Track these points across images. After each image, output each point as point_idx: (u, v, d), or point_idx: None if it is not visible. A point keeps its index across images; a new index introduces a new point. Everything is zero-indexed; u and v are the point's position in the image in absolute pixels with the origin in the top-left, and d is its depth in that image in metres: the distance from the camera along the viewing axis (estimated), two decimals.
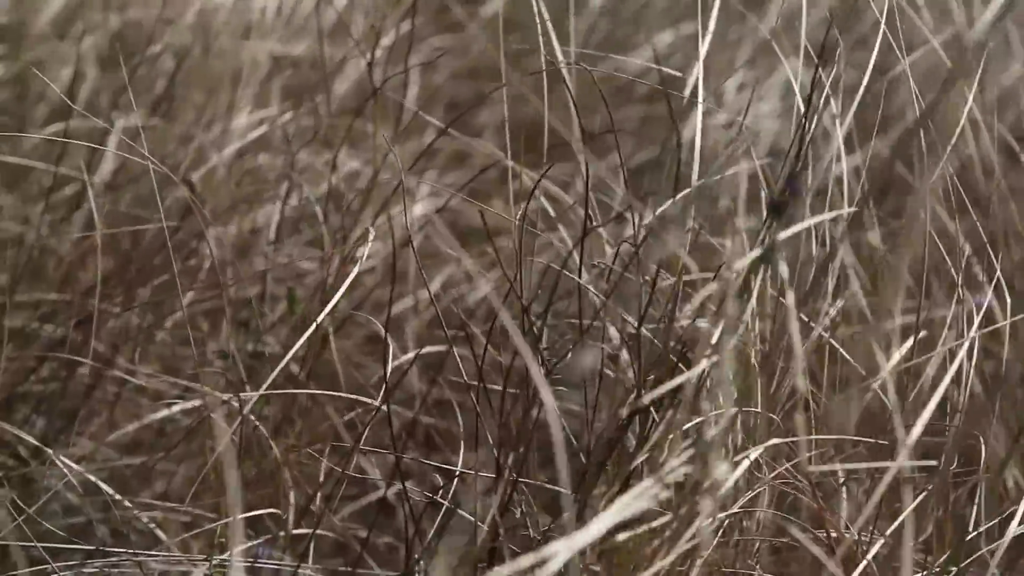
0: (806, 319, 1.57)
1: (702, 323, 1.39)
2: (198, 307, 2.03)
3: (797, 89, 1.49)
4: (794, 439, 1.51)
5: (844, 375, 1.68)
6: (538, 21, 1.59)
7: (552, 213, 1.85)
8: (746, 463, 1.45)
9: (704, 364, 1.34)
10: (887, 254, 1.77)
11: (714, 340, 1.34)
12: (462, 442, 1.76)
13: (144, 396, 1.99)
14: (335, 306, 1.93)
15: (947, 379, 1.44)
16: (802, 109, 1.47)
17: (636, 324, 1.38)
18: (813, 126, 1.44)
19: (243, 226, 2.08)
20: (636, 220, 1.43)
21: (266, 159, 2.14)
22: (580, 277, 1.42)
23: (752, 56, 2.23)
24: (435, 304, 1.51)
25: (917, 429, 1.37)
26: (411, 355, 1.86)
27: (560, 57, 1.76)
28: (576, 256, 1.46)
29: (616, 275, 1.44)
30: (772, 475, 1.52)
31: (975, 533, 1.56)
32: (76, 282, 2.01)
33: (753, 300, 1.40)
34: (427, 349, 1.68)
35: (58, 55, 2.21)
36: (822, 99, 1.49)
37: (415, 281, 2.09)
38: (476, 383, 1.51)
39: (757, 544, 1.58)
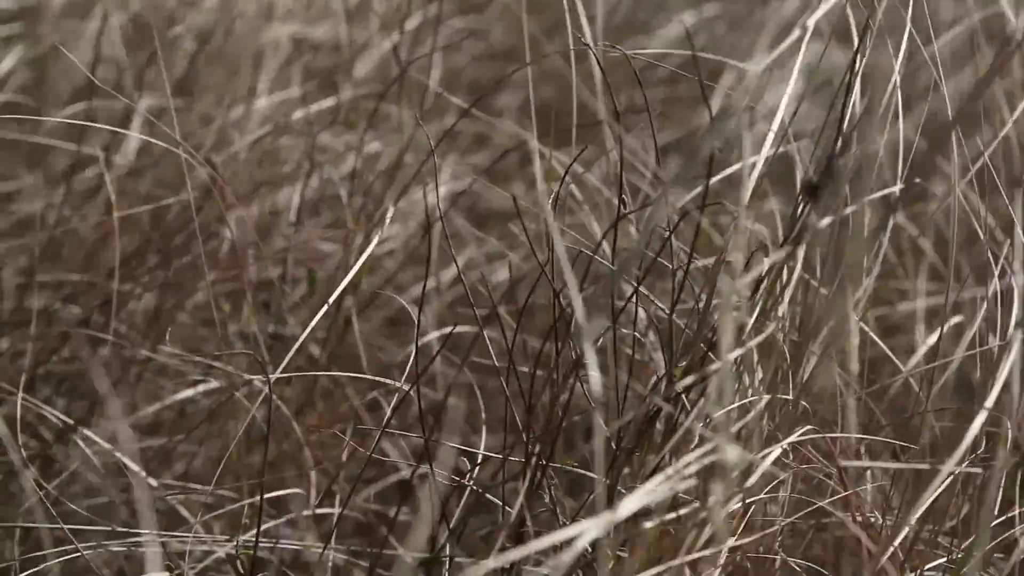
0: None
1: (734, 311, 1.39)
2: (219, 288, 2.03)
3: (857, 62, 1.47)
4: (826, 435, 1.51)
5: (873, 357, 1.68)
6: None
7: (578, 194, 1.85)
8: (776, 452, 1.45)
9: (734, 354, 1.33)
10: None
11: (746, 329, 1.34)
12: (483, 426, 1.76)
13: (165, 377, 1.99)
14: (357, 288, 1.93)
15: (1004, 371, 1.42)
16: (840, 92, 1.46)
17: (668, 310, 1.37)
18: (852, 108, 1.43)
19: (264, 208, 2.08)
20: (668, 203, 1.42)
21: (287, 140, 2.14)
22: (613, 263, 1.42)
23: (774, 38, 2.22)
24: (463, 282, 1.50)
25: (973, 430, 1.37)
26: (435, 334, 1.86)
27: (586, 37, 1.76)
28: (607, 241, 1.45)
29: (648, 260, 1.43)
30: (798, 462, 1.51)
31: (1002, 518, 1.56)
32: (98, 263, 2.01)
33: (789, 288, 1.39)
34: (460, 329, 1.67)
35: (79, 36, 2.21)
36: (857, 81, 1.49)
37: (437, 262, 2.09)
38: (505, 365, 1.51)
39: (779, 528, 1.58)
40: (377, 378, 1.71)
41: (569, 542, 1.21)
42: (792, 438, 1.43)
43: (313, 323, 1.57)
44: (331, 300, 1.59)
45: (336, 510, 1.77)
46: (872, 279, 1.56)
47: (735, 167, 1.67)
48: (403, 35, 2.04)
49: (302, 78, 2.23)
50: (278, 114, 2.13)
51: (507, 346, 1.52)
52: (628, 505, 1.23)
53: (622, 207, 1.39)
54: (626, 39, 2.29)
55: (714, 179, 1.63)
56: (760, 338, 1.33)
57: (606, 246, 1.48)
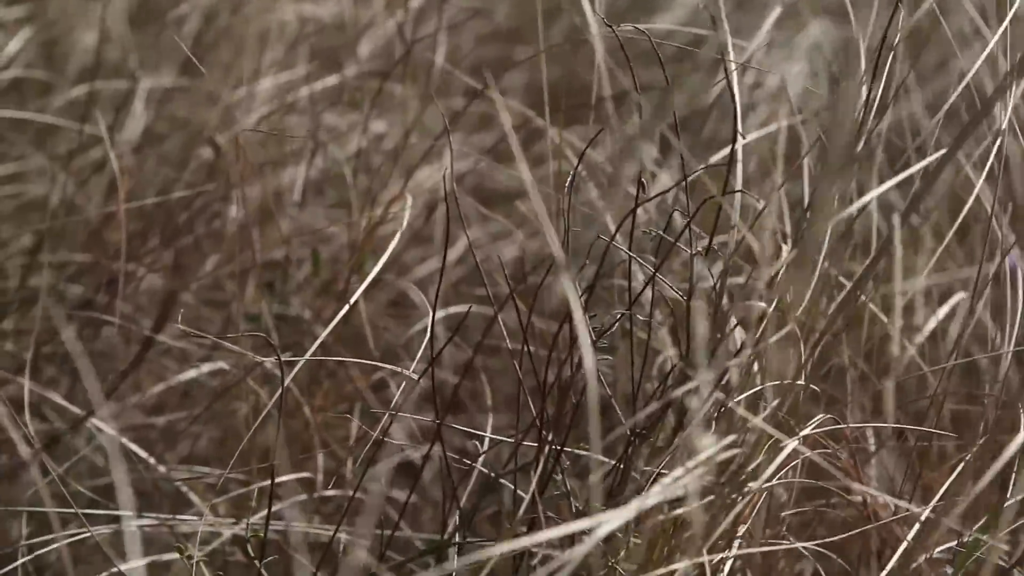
0: (844, 281, 1.57)
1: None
2: (222, 270, 2.02)
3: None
4: (848, 425, 1.50)
5: (879, 337, 1.68)
6: None
7: (584, 174, 1.85)
8: (792, 444, 1.44)
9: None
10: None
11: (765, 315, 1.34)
12: (490, 409, 1.76)
13: (170, 358, 1.98)
14: (363, 268, 1.93)
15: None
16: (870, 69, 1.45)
17: (685, 296, 1.37)
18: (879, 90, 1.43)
19: (268, 188, 2.08)
20: (687, 188, 1.41)
21: (292, 120, 2.13)
22: (631, 248, 1.41)
23: (780, 17, 2.21)
24: (476, 261, 1.49)
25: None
26: (440, 314, 1.85)
27: (588, 20, 1.75)
28: (623, 227, 1.45)
29: (666, 244, 1.42)
30: (809, 446, 1.51)
31: (1012, 501, 1.56)
32: (102, 243, 2.00)
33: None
34: (474, 309, 1.66)
35: (85, 16, 2.20)
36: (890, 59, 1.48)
37: (441, 242, 2.08)
38: (517, 347, 1.50)
39: (790, 513, 1.58)
40: (387, 365, 1.70)
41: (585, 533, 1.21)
42: (807, 430, 1.43)
43: (339, 317, 1.56)
44: (356, 296, 1.58)
45: (343, 492, 1.77)
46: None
47: (737, 144, 1.67)
48: (408, 14, 2.04)
49: (308, 58, 2.22)
50: (283, 94, 2.12)
51: (514, 327, 1.52)
52: (644, 501, 1.23)
53: (641, 191, 1.38)
54: (630, 19, 2.28)
55: (716, 157, 1.63)
56: (777, 335, 1.33)
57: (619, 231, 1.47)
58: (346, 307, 1.54)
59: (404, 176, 1.96)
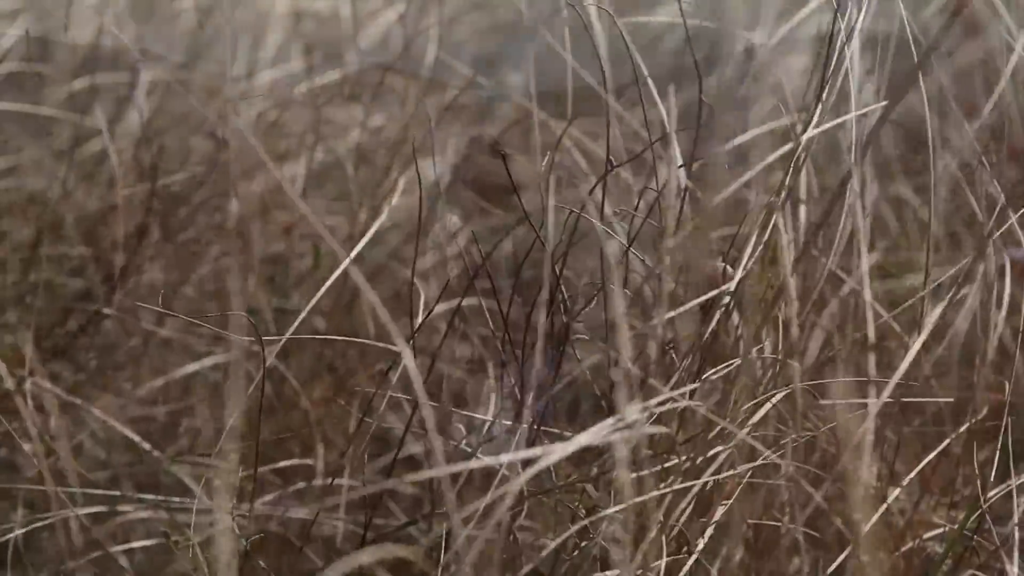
0: (839, 273, 1.57)
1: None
2: (223, 263, 2.03)
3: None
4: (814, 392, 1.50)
5: (876, 329, 1.68)
6: None
7: (584, 166, 1.85)
8: (767, 406, 1.45)
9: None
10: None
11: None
12: (492, 394, 1.76)
13: (169, 350, 1.99)
14: (363, 261, 1.93)
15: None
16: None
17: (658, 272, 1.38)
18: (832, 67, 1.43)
19: (268, 182, 2.08)
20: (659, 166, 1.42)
21: (291, 114, 2.14)
22: (601, 220, 1.42)
23: (783, 9, 2.21)
24: (464, 254, 1.50)
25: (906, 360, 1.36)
26: (443, 307, 1.86)
27: (590, 9, 1.76)
28: (595, 201, 1.46)
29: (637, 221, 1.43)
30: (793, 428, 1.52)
31: (1002, 486, 1.56)
32: (102, 236, 2.01)
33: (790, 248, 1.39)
34: (479, 302, 1.67)
35: (83, 8, 2.21)
36: (854, 46, 1.48)
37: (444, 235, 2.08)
38: (501, 333, 1.51)
39: (785, 495, 1.58)
40: (376, 343, 1.71)
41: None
42: (779, 396, 1.43)
43: (323, 290, 1.57)
44: (338, 271, 1.58)
45: (344, 482, 1.78)
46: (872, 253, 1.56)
47: (743, 138, 1.67)
48: (401, 8, 2.05)
49: (305, 51, 2.23)
50: (282, 87, 2.13)
51: (515, 319, 1.52)
52: (576, 443, 1.25)
53: (609, 164, 1.39)
54: (631, 12, 2.28)
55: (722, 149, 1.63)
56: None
57: (608, 210, 1.48)
58: (329, 280, 1.54)
59: (403, 170, 1.97)
